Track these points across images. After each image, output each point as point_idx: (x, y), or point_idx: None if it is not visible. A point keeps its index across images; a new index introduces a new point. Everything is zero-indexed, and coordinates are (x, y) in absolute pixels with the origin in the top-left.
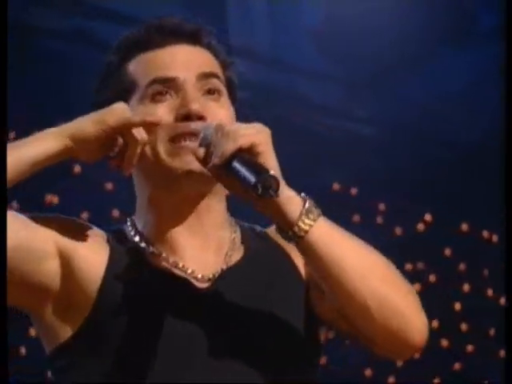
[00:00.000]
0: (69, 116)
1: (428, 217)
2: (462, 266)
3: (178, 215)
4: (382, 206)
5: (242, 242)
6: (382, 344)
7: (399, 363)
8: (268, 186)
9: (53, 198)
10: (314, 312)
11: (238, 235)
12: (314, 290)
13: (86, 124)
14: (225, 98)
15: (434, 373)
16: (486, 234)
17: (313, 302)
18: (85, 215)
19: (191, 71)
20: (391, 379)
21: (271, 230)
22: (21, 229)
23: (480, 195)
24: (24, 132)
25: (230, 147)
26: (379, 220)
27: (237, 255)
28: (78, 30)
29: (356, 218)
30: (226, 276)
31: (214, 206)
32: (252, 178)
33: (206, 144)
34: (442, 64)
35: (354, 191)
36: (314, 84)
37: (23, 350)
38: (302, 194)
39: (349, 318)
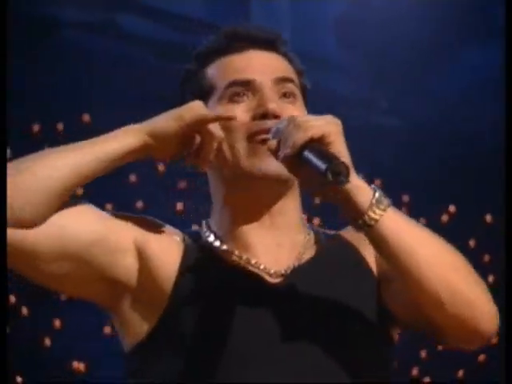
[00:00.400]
0: (92, 109)
1: (452, 208)
2: (486, 258)
3: (253, 215)
4: (405, 198)
5: (315, 243)
6: (453, 333)
7: (423, 355)
8: (338, 172)
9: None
10: (386, 309)
11: (311, 237)
12: (387, 287)
13: (164, 121)
14: (300, 102)
15: (458, 365)
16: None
17: (385, 300)
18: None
19: (268, 75)
20: (415, 371)
21: (344, 232)
22: (100, 223)
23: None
24: (49, 124)
25: (301, 137)
26: (403, 211)
27: (309, 254)
28: (101, 21)
29: None
30: (299, 272)
31: (288, 208)
32: (322, 165)
33: (279, 136)
34: (465, 60)
35: (377, 182)
36: (336, 77)
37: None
38: (372, 186)
39: (421, 308)
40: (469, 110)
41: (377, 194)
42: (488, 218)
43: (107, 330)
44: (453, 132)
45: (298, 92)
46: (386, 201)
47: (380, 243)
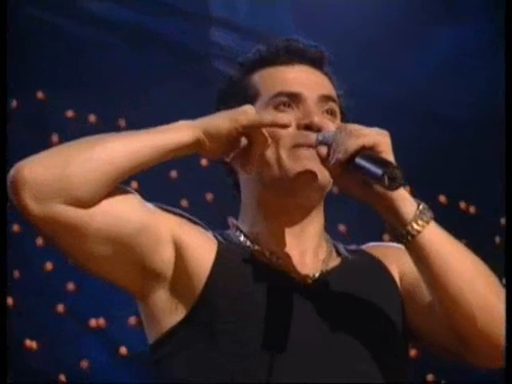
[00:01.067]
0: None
1: (406, 189)
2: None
3: (286, 221)
4: None
5: (337, 255)
6: (481, 351)
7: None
8: (394, 176)
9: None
10: (406, 323)
11: (332, 248)
12: (410, 304)
13: (220, 120)
14: (339, 122)
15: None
16: (463, 205)
17: (407, 316)
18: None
19: (314, 91)
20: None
21: (366, 247)
22: (147, 213)
23: (462, 168)
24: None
25: (353, 144)
26: None
27: (333, 263)
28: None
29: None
30: (328, 276)
31: (317, 218)
32: (379, 170)
33: (327, 143)
34: (431, 39)
35: None
36: None
37: None
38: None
39: (452, 322)
40: (439, 90)
41: (421, 207)
42: (462, 204)
43: (60, 308)
44: (423, 112)
45: (338, 111)
46: (429, 213)
47: (420, 255)
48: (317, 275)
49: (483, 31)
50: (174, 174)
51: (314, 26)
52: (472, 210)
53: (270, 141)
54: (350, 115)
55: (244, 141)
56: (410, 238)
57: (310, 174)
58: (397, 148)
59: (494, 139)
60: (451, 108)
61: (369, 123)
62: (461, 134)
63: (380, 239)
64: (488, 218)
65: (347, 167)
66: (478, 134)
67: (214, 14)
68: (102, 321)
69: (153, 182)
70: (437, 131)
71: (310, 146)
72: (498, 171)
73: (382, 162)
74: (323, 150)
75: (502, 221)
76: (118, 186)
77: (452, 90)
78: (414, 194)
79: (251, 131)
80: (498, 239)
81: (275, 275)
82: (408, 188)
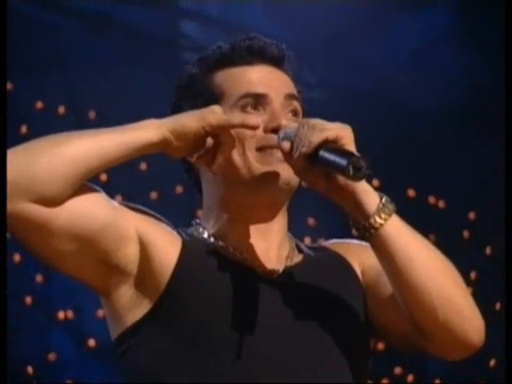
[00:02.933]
0: None
1: (375, 182)
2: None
3: (250, 218)
4: None
5: (299, 251)
6: (441, 342)
7: None
8: (359, 166)
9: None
10: (368, 317)
11: (295, 245)
12: (371, 298)
13: (188, 119)
14: (308, 118)
15: None
16: (432, 199)
17: (369, 309)
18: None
19: (279, 91)
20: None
21: (327, 243)
22: (111, 209)
23: (431, 162)
24: None
25: (317, 137)
26: None
27: (297, 259)
28: None
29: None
30: (291, 271)
31: (281, 216)
32: (343, 161)
33: (291, 138)
34: (395, 29)
35: None
36: None
37: None
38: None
39: (412, 314)
40: (407, 80)
41: (383, 200)
42: (411, 192)
43: (28, 300)
44: (389, 102)
45: (300, 110)
46: (391, 206)
47: (382, 247)
48: (281, 270)
49: (450, 20)
50: (143, 166)
51: (284, 17)
52: (441, 204)
53: (236, 142)
54: (317, 106)
55: (210, 141)
56: (372, 231)
57: (276, 175)
58: (364, 140)
59: (463, 131)
60: (420, 99)
61: (336, 114)
62: (430, 126)
63: (349, 233)
64: (457, 213)
65: (311, 161)
66: (448, 125)
67: (184, 6)
68: (70, 313)
69: (122, 174)
70: (405, 123)
71: (274, 147)
72: (467, 164)
73: (346, 153)
74: (286, 145)
75: (471, 215)
76: (84, 183)
77: (420, 80)
78: (383, 187)
79: (218, 131)
80: (466, 233)
81: (240, 269)
82: (377, 181)
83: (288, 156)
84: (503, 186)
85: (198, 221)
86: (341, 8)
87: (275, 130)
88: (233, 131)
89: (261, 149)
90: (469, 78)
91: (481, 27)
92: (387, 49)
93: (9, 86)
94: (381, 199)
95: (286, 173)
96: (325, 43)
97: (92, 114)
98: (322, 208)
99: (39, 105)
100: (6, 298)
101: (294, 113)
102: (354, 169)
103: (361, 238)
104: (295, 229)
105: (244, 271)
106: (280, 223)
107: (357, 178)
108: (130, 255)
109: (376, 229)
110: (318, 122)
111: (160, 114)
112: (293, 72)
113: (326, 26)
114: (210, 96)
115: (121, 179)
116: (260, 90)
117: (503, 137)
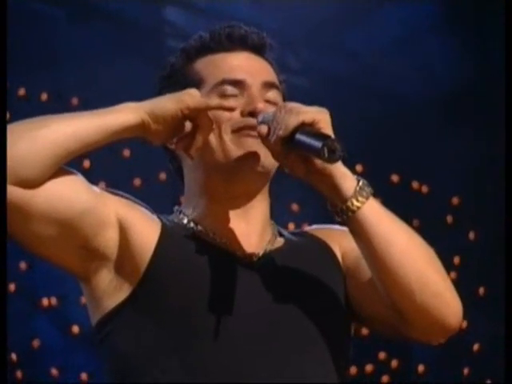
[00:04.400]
0: None
1: (359, 168)
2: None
3: (230, 204)
4: None
5: (281, 236)
6: (419, 325)
7: None
8: (333, 148)
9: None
10: (348, 302)
11: (276, 230)
12: (352, 282)
13: (165, 102)
14: (286, 102)
15: None
16: (416, 184)
17: (349, 293)
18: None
19: (257, 77)
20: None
21: (309, 229)
22: (91, 194)
23: (414, 148)
24: None
25: (293, 120)
26: None
27: (278, 244)
28: None
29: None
30: (272, 255)
31: (262, 202)
32: (318, 143)
33: (268, 122)
34: (379, 17)
35: None
36: None
37: None
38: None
39: (390, 297)
40: (390, 67)
41: (361, 183)
42: (394, 177)
43: (11, 287)
44: (373, 89)
45: (280, 99)
46: (368, 190)
47: (359, 230)
48: (261, 254)
49: (434, 9)
50: (126, 152)
51: (269, 4)
52: (424, 189)
53: (214, 125)
54: (301, 93)
55: (188, 125)
56: (349, 214)
57: (253, 158)
58: (348, 126)
59: (447, 117)
60: (404, 86)
61: (320, 100)
62: (413, 112)
63: (332, 219)
64: (440, 198)
65: (288, 144)
66: (431, 111)
67: None
68: (53, 300)
69: (105, 160)
70: (389, 109)
71: (251, 127)
72: (450, 150)
73: (321, 136)
74: (264, 128)
75: (454, 200)
76: (63, 168)
77: (404, 68)
78: (367, 172)
79: (196, 115)
80: (449, 218)
81: (219, 253)
82: (360, 167)
83: (265, 140)
84: (500, 173)
85: (178, 207)
86: None
87: (252, 114)
88: (210, 114)
89: (238, 130)
90: (452, 66)
91: (465, 16)
92: (371, 36)
93: None
94: (358, 182)
95: (263, 155)
96: (309, 30)
97: (75, 101)
98: (305, 194)
99: (21, 92)
100: (6, 299)
101: (273, 102)
102: (329, 151)
103: (339, 221)
104: (279, 215)
105: (223, 255)
106: (261, 208)
107: (332, 160)
108: (109, 240)
109: (353, 212)
110: (295, 105)
111: (143, 101)
112: (276, 61)
113: (311, 13)
114: (190, 83)
115: (104, 166)
116: (238, 76)
117: (488, 124)
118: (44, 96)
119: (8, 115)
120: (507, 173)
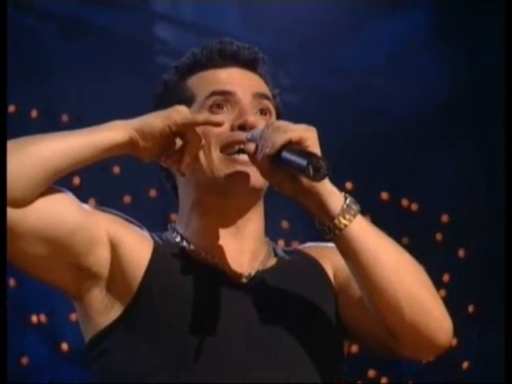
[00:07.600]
0: None
1: (349, 185)
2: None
3: (222, 222)
4: None
5: (275, 255)
6: (409, 343)
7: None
8: (319, 167)
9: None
10: (340, 320)
11: (271, 249)
12: (343, 300)
13: (153, 119)
14: (274, 120)
15: None
16: (405, 202)
17: (341, 312)
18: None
19: (248, 89)
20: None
21: (302, 247)
22: (82, 213)
23: (404, 165)
24: None
25: (280, 138)
26: None
27: (271, 263)
28: None
29: None
30: (264, 275)
31: (254, 219)
32: (303, 161)
33: (255, 140)
34: (370, 33)
35: None
36: None
37: None
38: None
39: (379, 315)
40: (381, 84)
41: (348, 200)
42: (384, 195)
43: None
44: (363, 106)
45: (273, 110)
46: (356, 207)
47: (348, 248)
48: (252, 274)
49: (425, 22)
50: (116, 170)
51: (258, 21)
52: (414, 207)
53: (203, 141)
54: (291, 110)
55: (178, 142)
56: (337, 231)
57: (242, 176)
58: (338, 143)
59: (436, 135)
60: (394, 102)
61: (311, 117)
62: (404, 130)
63: (322, 235)
64: (430, 215)
65: (275, 162)
66: (422, 129)
67: (157, 9)
68: (43, 317)
69: (95, 178)
70: (379, 126)
71: (240, 142)
72: (440, 167)
73: (306, 154)
74: (251, 146)
75: (444, 218)
76: (54, 186)
77: (394, 84)
78: (357, 190)
79: (185, 131)
80: (439, 236)
81: (210, 273)
82: (350, 184)
83: (253, 158)
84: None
85: (172, 225)
86: (316, 12)
87: (242, 127)
88: (199, 130)
89: (226, 147)
90: (442, 82)
91: (457, 28)
92: (362, 52)
93: None
94: (345, 200)
95: (253, 175)
96: (300, 46)
97: (65, 118)
98: (295, 211)
99: (11, 108)
100: (6, 306)
101: (264, 111)
102: (314, 169)
103: (326, 239)
104: (269, 232)
105: (214, 275)
106: (255, 225)
107: (317, 179)
108: (101, 259)
109: (340, 229)
110: (282, 123)
111: (133, 117)
112: (269, 75)
113: (301, 29)
114: (182, 100)
115: (94, 183)
116: (227, 87)
117: (478, 143)
118: (34, 113)
119: None
120: (507, 188)
